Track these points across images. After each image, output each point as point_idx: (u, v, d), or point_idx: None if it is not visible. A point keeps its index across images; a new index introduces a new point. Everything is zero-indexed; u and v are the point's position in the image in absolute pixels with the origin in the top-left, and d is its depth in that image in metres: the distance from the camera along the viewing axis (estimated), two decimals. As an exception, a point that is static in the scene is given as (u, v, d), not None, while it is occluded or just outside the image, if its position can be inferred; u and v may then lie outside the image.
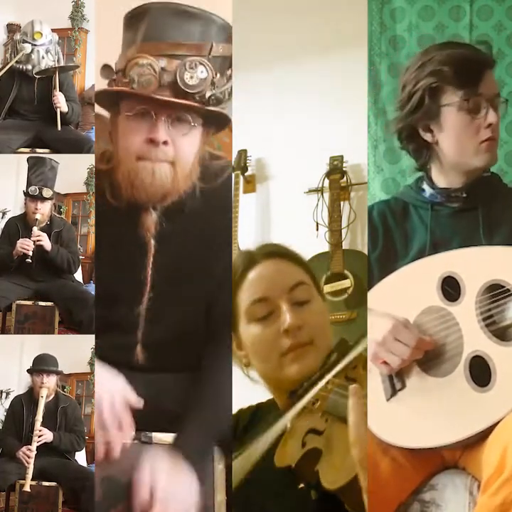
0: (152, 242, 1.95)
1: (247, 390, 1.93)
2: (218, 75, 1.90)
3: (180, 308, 1.95)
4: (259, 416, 1.93)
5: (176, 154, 1.90)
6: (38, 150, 2.62)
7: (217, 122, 1.96)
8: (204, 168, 1.97)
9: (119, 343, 1.94)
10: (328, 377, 1.68)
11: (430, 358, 1.94)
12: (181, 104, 1.88)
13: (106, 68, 1.94)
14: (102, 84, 1.96)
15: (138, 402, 1.84)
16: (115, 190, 1.95)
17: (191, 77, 1.86)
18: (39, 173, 2.58)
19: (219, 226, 1.99)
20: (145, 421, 1.84)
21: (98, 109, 2.01)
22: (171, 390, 1.91)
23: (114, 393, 1.83)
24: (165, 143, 1.88)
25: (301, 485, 1.59)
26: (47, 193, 2.59)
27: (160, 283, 1.95)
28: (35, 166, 2.59)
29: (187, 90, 1.87)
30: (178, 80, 1.86)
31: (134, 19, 1.92)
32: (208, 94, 1.89)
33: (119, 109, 1.92)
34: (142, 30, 1.89)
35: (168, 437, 1.86)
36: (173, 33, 1.89)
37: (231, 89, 1.94)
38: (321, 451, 1.61)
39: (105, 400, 1.82)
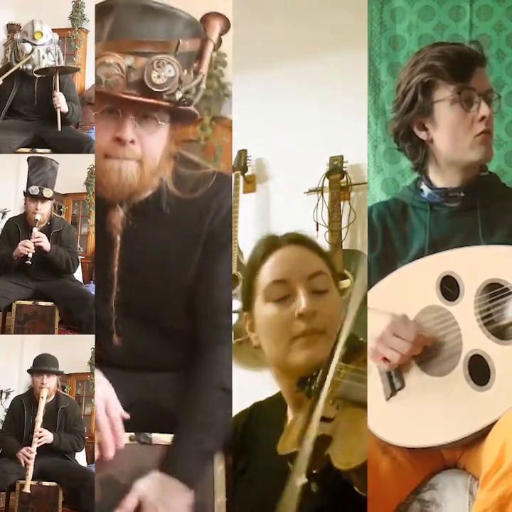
0: (118, 238, 1.96)
1: (244, 390, 1.93)
2: (185, 71, 1.90)
3: (151, 306, 1.97)
4: (255, 416, 1.94)
5: (143, 153, 1.90)
6: (38, 150, 2.62)
7: (184, 119, 1.96)
8: (179, 175, 1.97)
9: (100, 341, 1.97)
10: (337, 363, 1.68)
11: (429, 357, 1.94)
12: (149, 104, 1.88)
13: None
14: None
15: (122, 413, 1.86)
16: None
17: (158, 77, 1.86)
18: (39, 173, 2.58)
19: (192, 238, 1.97)
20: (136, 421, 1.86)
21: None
22: (157, 388, 1.92)
23: (106, 399, 1.84)
24: (132, 142, 1.89)
25: (304, 481, 1.59)
26: (47, 193, 2.59)
27: (127, 280, 1.96)
28: (35, 165, 2.58)
29: (154, 89, 1.86)
30: (146, 79, 1.86)
31: (102, 12, 1.91)
32: (176, 93, 1.89)
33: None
34: (109, 25, 1.89)
35: (167, 438, 1.86)
36: (139, 30, 1.88)
37: (200, 85, 1.93)
38: (330, 438, 1.62)
39: (99, 405, 1.84)
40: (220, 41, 1.97)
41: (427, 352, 1.94)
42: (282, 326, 1.81)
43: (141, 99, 1.86)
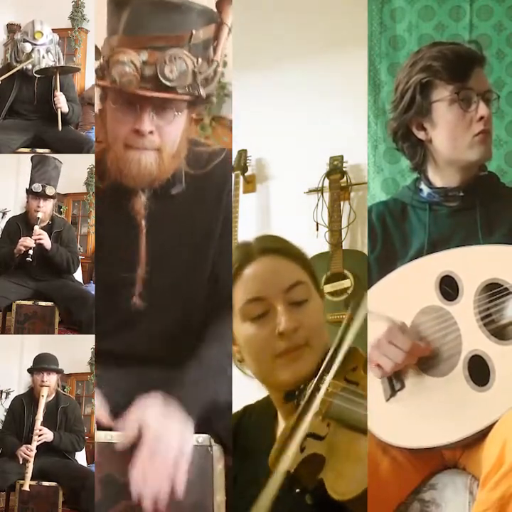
0: (143, 223, 1.97)
1: (241, 388, 1.92)
2: (200, 60, 1.92)
3: (179, 287, 1.98)
4: (246, 420, 1.91)
5: (161, 141, 1.93)
6: (38, 150, 2.62)
7: (200, 104, 1.98)
8: (192, 154, 2.00)
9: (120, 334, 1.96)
10: (327, 380, 1.65)
11: (429, 357, 1.94)
12: (164, 98, 1.90)
13: (96, 50, 1.97)
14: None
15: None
16: (101, 174, 1.99)
17: (171, 71, 1.88)
18: (43, 172, 2.58)
19: (212, 211, 2.01)
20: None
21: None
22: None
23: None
24: (151, 132, 1.91)
25: (297, 490, 1.58)
26: (50, 191, 2.59)
27: (154, 263, 1.98)
28: (38, 164, 2.59)
29: (168, 84, 1.88)
30: (159, 74, 1.88)
31: (117, 7, 1.93)
32: (191, 85, 1.91)
33: (106, 97, 1.95)
34: (124, 20, 1.91)
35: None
36: (153, 25, 1.90)
37: (216, 69, 1.95)
38: (323, 458, 1.59)
39: None
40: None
41: (424, 357, 1.94)
42: (263, 346, 1.74)
43: (156, 94, 1.89)
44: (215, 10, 1.97)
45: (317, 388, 1.67)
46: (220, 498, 1.83)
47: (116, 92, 1.90)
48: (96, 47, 1.99)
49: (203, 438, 1.84)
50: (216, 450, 1.85)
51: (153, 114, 1.91)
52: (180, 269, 1.99)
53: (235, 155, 3.17)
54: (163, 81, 1.88)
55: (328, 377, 1.65)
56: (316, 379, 1.68)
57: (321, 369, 1.68)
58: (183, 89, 1.90)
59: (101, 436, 1.80)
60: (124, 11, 1.91)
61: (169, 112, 1.92)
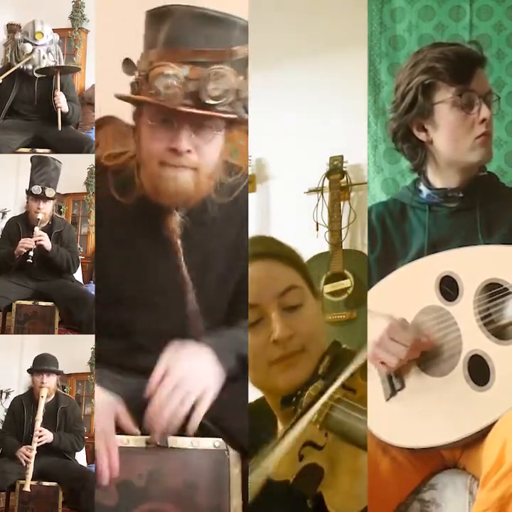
0: (179, 242, 1.95)
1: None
2: (241, 77, 1.89)
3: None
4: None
5: (199, 161, 1.89)
6: (38, 150, 2.62)
7: (239, 124, 1.94)
8: (219, 183, 1.96)
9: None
10: (326, 389, 1.63)
11: (429, 357, 1.94)
12: (205, 115, 1.85)
13: (128, 63, 1.91)
14: (103, 85, 1.95)
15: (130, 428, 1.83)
16: (126, 188, 1.94)
17: (215, 89, 1.83)
18: (43, 173, 2.58)
19: (239, 233, 1.99)
20: None
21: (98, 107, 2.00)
22: None
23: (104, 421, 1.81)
24: (188, 151, 1.87)
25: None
26: (50, 192, 2.59)
27: (197, 280, 1.96)
28: (38, 165, 2.58)
29: (210, 102, 1.83)
30: (202, 92, 1.83)
31: (155, 18, 1.88)
32: (232, 104, 1.87)
33: (142, 112, 1.90)
34: (164, 32, 1.86)
35: (185, 443, 1.84)
36: (196, 39, 1.85)
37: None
38: (322, 470, 1.58)
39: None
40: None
41: (426, 353, 1.94)
42: (258, 353, 1.73)
43: (197, 111, 1.83)
44: None
45: (314, 395, 1.65)
46: (236, 502, 1.83)
47: (155, 107, 1.85)
48: (129, 59, 1.91)
49: (220, 442, 1.84)
50: (232, 454, 1.85)
51: (191, 132, 1.86)
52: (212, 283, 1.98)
53: (251, 158, 3.15)
54: (207, 99, 1.83)
55: (329, 388, 1.63)
56: (311, 384, 1.67)
57: (318, 374, 1.67)
58: (224, 107, 1.86)
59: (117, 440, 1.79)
60: (164, 23, 1.86)
61: (208, 130, 1.87)
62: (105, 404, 1.83)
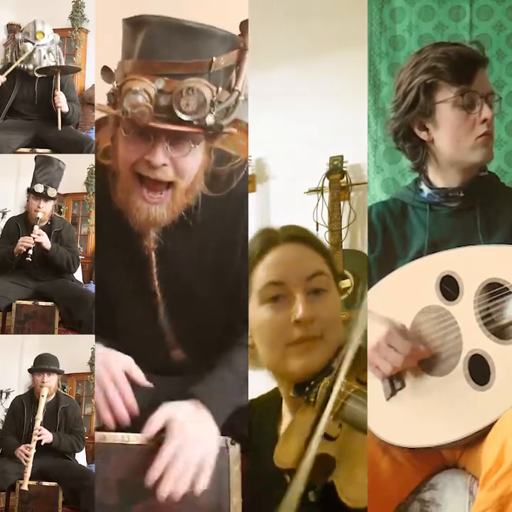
0: (153, 255, 1.92)
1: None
2: (220, 89, 1.82)
3: (196, 313, 1.96)
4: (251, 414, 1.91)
5: (176, 174, 1.85)
6: (38, 150, 2.62)
7: (217, 135, 1.88)
8: (211, 176, 1.92)
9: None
10: (339, 379, 1.63)
11: (429, 357, 1.94)
12: (179, 131, 1.80)
13: (106, 71, 1.86)
14: (102, 86, 1.92)
15: (143, 380, 1.83)
16: (102, 192, 1.93)
17: (187, 105, 1.77)
18: (46, 173, 2.59)
19: (231, 231, 1.97)
20: None
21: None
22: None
23: (115, 368, 1.81)
24: (164, 165, 1.82)
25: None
26: (51, 192, 2.59)
27: (169, 294, 1.94)
28: (42, 164, 2.59)
29: (184, 118, 1.78)
30: (175, 107, 1.77)
31: (132, 28, 1.82)
32: (207, 118, 1.80)
33: (118, 123, 1.85)
34: (139, 43, 1.80)
35: None
36: (172, 51, 1.78)
37: (238, 98, 1.86)
38: (334, 460, 1.58)
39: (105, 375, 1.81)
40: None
41: (424, 359, 1.94)
42: (277, 332, 1.74)
43: (169, 127, 1.78)
44: (239, 33, 1.87)
45: (329, 386, 1.65)
46: (236, 499, 1.82)
47: (129, 121, 1.80)
48: (107, 67, 1.85)
49: (220, 439, 1.84)
50: (233, 451, 1.85)
51: (167, 146, 1.81)
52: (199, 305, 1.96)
53: (251, 157, 3.15)
54: (179, 114, 1.77)
55: (340, 377, 1.63)
56: (328, 377, 1.67)
57: (334, 366, 1.67)
58: (199, 122, 1.79)
59: (118, 437, 1.80)
60: (140, 33, 1.79)
61: (185, 144, 1.82)
62: (113, 356, 1.84)
